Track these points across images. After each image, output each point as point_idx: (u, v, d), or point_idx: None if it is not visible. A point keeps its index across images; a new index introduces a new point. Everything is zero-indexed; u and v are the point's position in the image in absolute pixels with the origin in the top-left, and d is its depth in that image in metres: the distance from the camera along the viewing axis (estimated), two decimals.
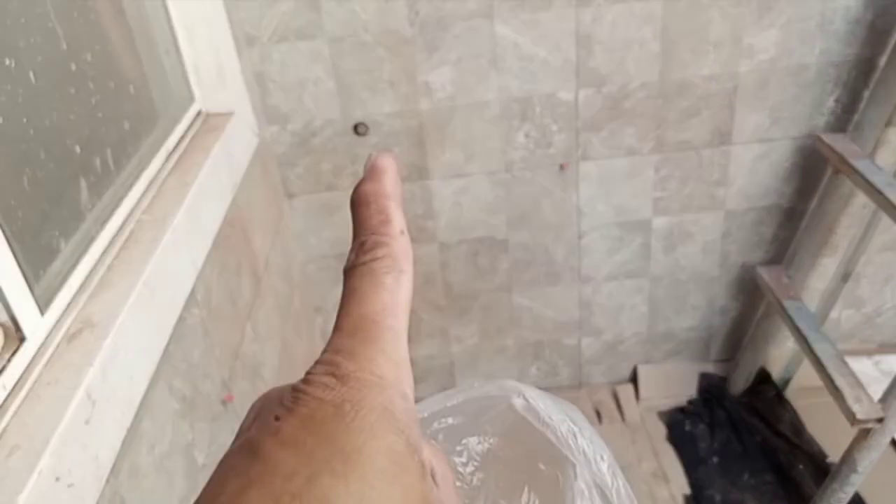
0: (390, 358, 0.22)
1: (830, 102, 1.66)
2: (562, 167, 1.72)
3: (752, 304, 1.94)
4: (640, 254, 1.85)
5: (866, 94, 1.62)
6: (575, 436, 0.40)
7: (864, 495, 1.59)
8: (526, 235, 1.81)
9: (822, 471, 1.67)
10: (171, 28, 1.29)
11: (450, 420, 0.40)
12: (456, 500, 0.26)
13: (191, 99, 1.34)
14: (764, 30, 1.57)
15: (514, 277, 1.87)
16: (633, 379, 2.03)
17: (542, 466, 0.39)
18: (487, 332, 1.94)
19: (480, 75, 1.61)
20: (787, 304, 1.65)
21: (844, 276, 1.79)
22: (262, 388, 1.43)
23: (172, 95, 1.28)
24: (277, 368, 1.46)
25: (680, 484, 1.74)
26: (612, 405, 1.97)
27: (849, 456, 1.46)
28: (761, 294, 1.81)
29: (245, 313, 1.31)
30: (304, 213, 1.74)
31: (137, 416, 0.84)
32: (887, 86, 1.53)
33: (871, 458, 1.43)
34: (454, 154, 1.69)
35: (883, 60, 1.59)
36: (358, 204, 0.25)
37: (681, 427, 1.89)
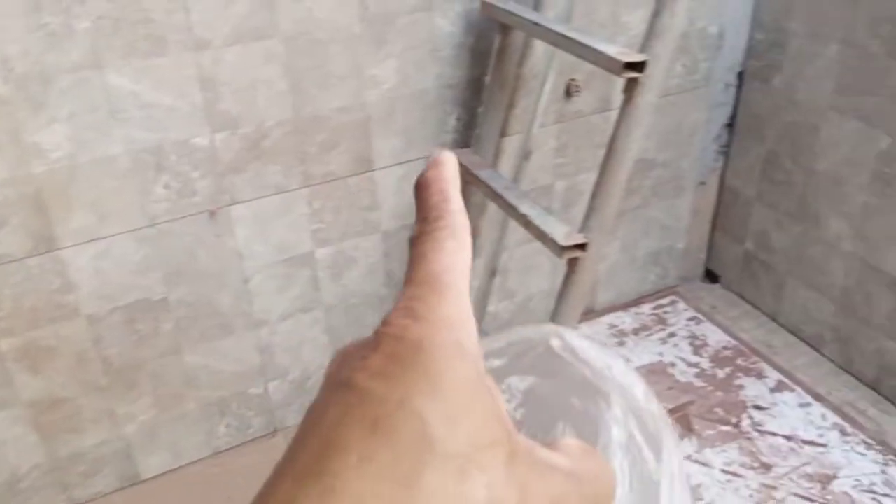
0: (455, 307, 0.25)
1: (452, 121, 1.81)
2: (212, 214, 1.64)
3: None
4: (310, 287, 1.85)
5: (480, 110, 1.80)
6: (610, 368, 0.44)
7: None
8: (186, 290, 1.70)
9: None
10: None
11: (494, 362, 0.45)
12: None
13: None
14: (382, 61, 1.65)
15: (181, 337, 1.74)
16: None
17: (575, 401, 0.43)
18: (162, 401, 1.78)
19: (100, 129, 1.46)
20: None
21: (492, 273, 1.97)
22: None
23: None
24: None
25: None
26: None
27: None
28: None
29: None
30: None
31: None
32: (494, 101, 1.72)
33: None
34: (85, 217, 1.52)
35: (488, 79, 1.77)
36: (421, 187, 0.29)
37: None
